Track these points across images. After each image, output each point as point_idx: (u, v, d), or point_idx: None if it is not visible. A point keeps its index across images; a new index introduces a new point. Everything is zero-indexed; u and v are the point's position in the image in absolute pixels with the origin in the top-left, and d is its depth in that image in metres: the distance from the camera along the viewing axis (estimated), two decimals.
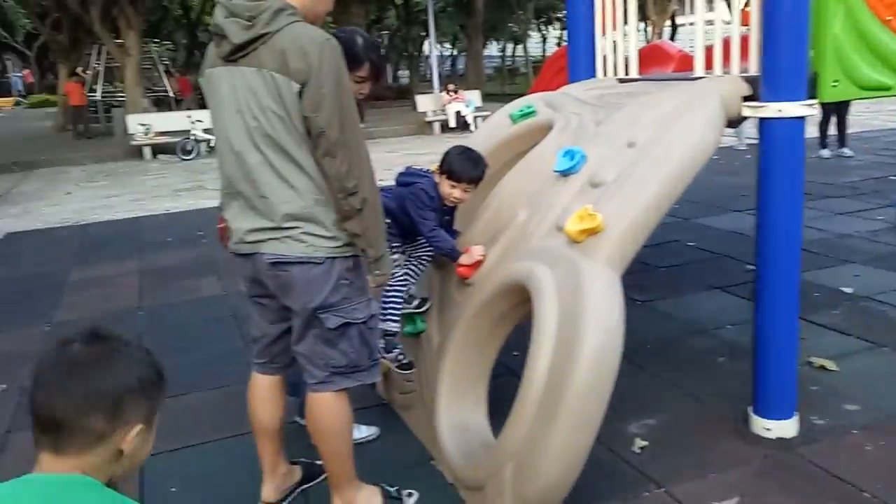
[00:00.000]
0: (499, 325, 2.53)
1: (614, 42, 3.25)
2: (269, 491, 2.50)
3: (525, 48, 33.57)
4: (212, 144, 13.63)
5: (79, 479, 1.05)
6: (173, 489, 2.69)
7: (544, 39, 41.23)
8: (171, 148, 13.64)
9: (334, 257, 2.12)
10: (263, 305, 2.31)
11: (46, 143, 16.84)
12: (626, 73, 3.19)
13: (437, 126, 15.85)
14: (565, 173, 2.49)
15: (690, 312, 4.21)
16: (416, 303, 2.89)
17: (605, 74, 3.32)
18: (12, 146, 15.79)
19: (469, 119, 15.63)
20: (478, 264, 2.63)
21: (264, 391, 2.42)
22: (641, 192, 2.23)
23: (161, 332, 4.36)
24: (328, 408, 2.25)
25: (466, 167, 2.71)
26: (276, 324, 2.32)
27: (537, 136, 2.91)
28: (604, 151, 2.47)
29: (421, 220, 2.65)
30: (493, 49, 39.15)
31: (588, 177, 2.42)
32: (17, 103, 33.97)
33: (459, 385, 2.58)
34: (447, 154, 2.76)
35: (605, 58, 3.29)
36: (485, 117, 16.18)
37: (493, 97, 19.91)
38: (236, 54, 2.04)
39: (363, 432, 2.90)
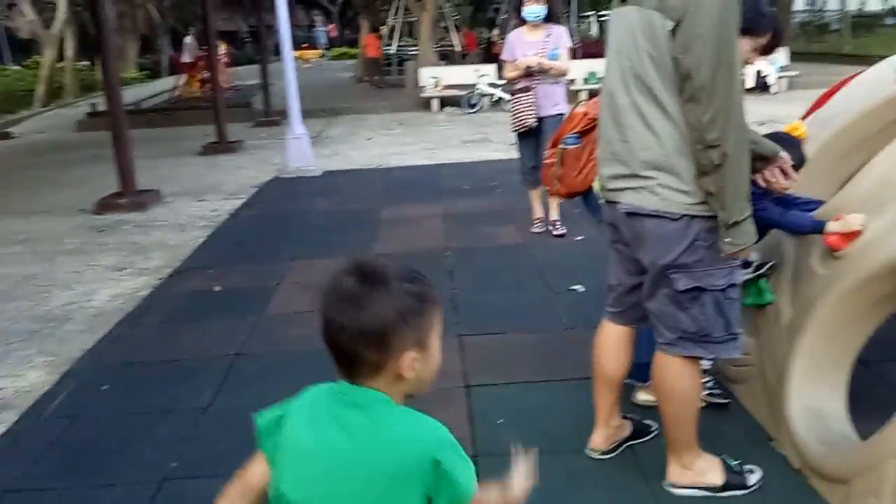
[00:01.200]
0: (878, 305, 2.26)
1: None
2: (599, 439, 2.53)
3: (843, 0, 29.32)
4: (494, 99, 14.08)
5: (374, 394, 1.19)
6: (500, 421, 2.85)
7: None
8: (457, 101, 14.30)
9: (693, 215, 2.01)
10: (620, 253, 2.31)
11: (347, 92, 18.70)
12: None
13: None
14: None
15: None
16: (752, 267, 2.66)
17: None
18: (319, 94, 17.68)
19: (771, 80, 14.17)
20: (854, 235, 2.35)
21: (613, 341, 2.43)
22: None
23: (469, 274, 4.64)
24: (674, 371, 2.20)
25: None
26: (632, 275, 2.30)
27: None
28: None
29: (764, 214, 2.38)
30: (797, 2, 34.83)
31: None
32: (322, 56, 38.08)
33: (818, 367, 2.37)
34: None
35: None
36: (790, 78, 14.68)
37: (799, 56, 17.77)
38: None
39: None
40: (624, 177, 2.09)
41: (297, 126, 8.61)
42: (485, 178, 7.54)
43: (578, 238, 5.18)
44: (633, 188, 2.08)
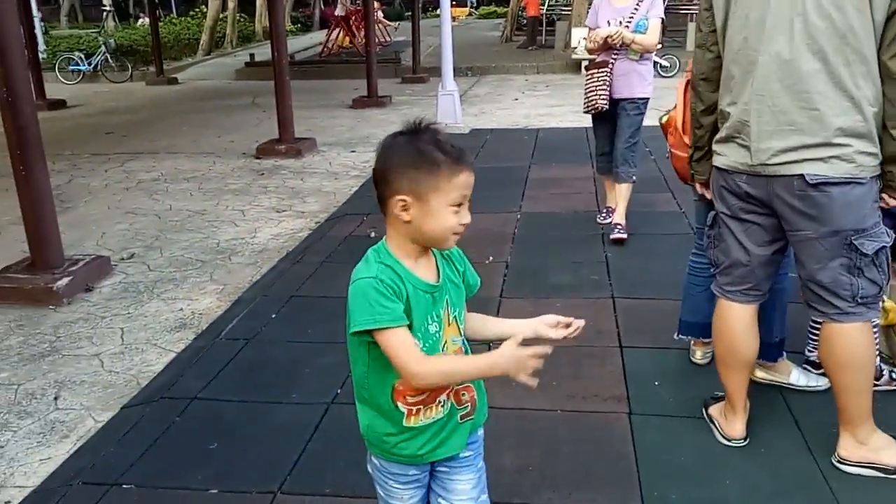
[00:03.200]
0: None
1: None
2: (741, 426, 2.39)
3: None
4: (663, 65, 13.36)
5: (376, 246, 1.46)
6: (657, 383, 2.84)
7: None
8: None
9: (874, 176, 1.96)
10: (757, 225, 2.16)
11: (494, 52, 18.59)
12: None
13: None
14: None
15: None
16: None
17: None
18: (466, 52, 17.70)
19: None
20: None
21: (745, 322, 2.30)
22: None
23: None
24: (854, 340, 2.09)
25: None
26: (767, 245, 2.19)
27: None
28: None
29: None
30: None
31: None
32: (470, 14, 37.93)
33: None
34: None
35: None
36: None
37: None
38: None
39: (812, 380, 2.68)
40: (807, 147, 1.96)
41: (448, 82, 8.73)
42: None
43: None
44: (820, 158, 1.96)
